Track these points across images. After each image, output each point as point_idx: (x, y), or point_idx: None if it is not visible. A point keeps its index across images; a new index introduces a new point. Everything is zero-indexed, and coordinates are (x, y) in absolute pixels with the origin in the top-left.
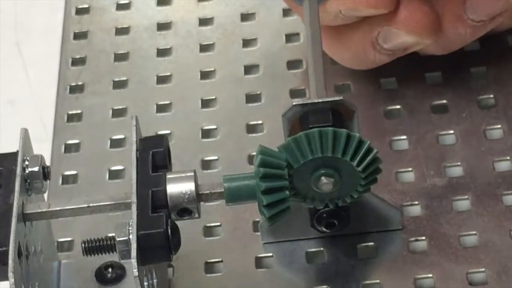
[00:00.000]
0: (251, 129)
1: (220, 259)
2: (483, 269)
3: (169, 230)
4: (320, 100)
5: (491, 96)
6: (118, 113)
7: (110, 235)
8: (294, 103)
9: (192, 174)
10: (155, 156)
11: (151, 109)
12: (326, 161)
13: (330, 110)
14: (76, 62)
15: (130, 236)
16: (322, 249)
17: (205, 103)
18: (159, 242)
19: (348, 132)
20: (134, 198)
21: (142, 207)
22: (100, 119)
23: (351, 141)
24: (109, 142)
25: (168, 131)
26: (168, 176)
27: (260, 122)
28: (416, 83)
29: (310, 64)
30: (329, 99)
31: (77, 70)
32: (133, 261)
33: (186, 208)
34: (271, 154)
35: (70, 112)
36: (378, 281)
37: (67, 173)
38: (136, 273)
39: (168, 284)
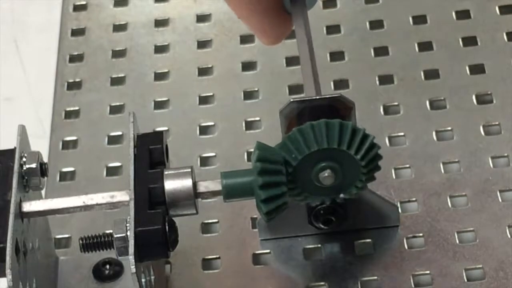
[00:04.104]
0: (249, 125)
1: (217, 256)
2: (480, 266)
3: (167, 227)
4: (317, 97)
5: (489, 92)
6: (115, 109)
7: (107, 231)
8: (291, 100)
9: (190, 170)
10: (152, 153)
11: (148, 106)
12: (325, 155)
13: (327, 106)
14: (73, 58)
15: (128, 233)
16: (319, 245)
17: (203, 100)
18: (156, 239)
19: (341, 121)
20: (131, 195)
21: (139, 204)
22: (97, 115)
23: (344, 130)
24: (106, 138)
25: (165, 128)
26: (166, 172)
27: (258, 118)
28: (413, 80)
29: (303, 63)
30: (327, 96)
31: (74, 66)
32: (131, 257)
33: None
34: (269, 150)
35: (68, 109)
36: (375, 277)
37: (64, 169)
38: (134, 270)
39: (166, 281)
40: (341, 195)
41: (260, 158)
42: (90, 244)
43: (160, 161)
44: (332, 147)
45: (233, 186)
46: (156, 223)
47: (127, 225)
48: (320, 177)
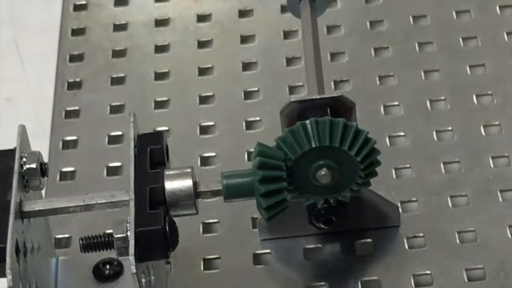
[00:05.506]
0: (249, 125)
1: (218, 256)
2: (481, 266)
3: (167, 227)
4: (318, 97)
5: (489, 93)
6: (115, 109)
7: (108, 231)
8: (292, 100)
9: (190, 170)
10: (153, 153)
11: (149, 106)
12: (324, 153)
13: (328, 106)
14: (73, 58)
15: (128, 233)
16: (320, 245)
17: (203, 100)
18: (157, 239)
19: (345, 121)
20: (132, 195)
21: (140, 204)
22: (97, 115)
23: (348, 131)
24: (107, 138)
25: (166, 128)
26: (166, 172)
27: (258, 118)
28: (414, 80)
29: (307, 62)
30: (327, 96)
31: (74, 66)
32: (131, 258)
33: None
34: (269, 147)
35: (68, 109)
36: (376, 277)
37: (65, 169)
38: (134, 270)
39: (166, 281)
40: (342, 195)
41: (260, 153)
42: (90, 244)
43: (161, 161)
44: (333, 146)
45: (233, 186)
46: (156, 223)
47: (127, 225)
48: (317, 175)
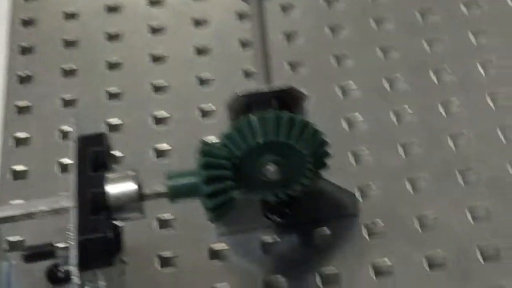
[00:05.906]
0: (205, 113)
1: (173, 252)
2: (440, 251)
3: (111, 234)
4: (265, 90)
5: (448, 69)
6: (68, 102)
7: (50, 241)
8: (238, 93)
9: (134, 173)
10: (95, 155)
11: (101, 97)
12: (271, 148)
13: (276, 98)
14: (24, 50)
15: (71, 242)
16: (277, 238)
17: (157, 89)
18: (100, 247)
19: (291, 115)
20: (73, 202)
21: (82, 210)
22: (49, 109)
23: (295, 124)
24: (59, 133)
25: (119, 120)
26: (109, 176)
27: (214, 108)
28: (371, 60)
29: (256, 50)
30: (276, 88)
31: (25, 58)
32: (74, 268)
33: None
34: (214, 154)
35: (19, 103)
36: (334, 268)
37: (16, 167)
38: (78, 281)
39: (122, 281)
40: (292, 189)
41: (204, 152)
42: (33, 255)
43: (103, 164)
44: (280, 141)
45: (178, 188)
46: (99, 230)
47: (70, 234)
48: (265, 171)
